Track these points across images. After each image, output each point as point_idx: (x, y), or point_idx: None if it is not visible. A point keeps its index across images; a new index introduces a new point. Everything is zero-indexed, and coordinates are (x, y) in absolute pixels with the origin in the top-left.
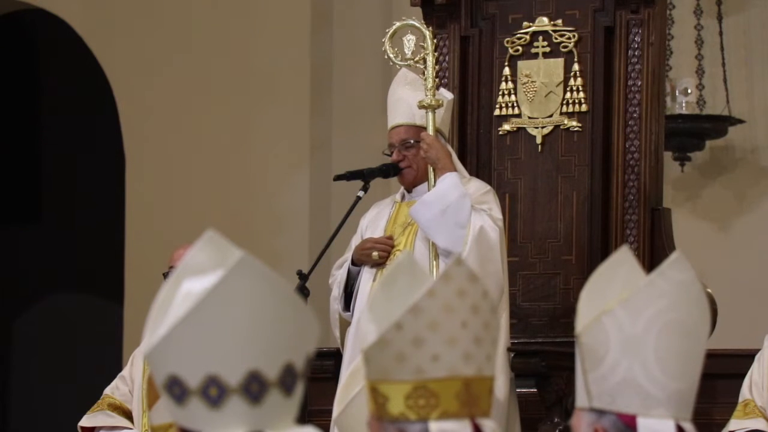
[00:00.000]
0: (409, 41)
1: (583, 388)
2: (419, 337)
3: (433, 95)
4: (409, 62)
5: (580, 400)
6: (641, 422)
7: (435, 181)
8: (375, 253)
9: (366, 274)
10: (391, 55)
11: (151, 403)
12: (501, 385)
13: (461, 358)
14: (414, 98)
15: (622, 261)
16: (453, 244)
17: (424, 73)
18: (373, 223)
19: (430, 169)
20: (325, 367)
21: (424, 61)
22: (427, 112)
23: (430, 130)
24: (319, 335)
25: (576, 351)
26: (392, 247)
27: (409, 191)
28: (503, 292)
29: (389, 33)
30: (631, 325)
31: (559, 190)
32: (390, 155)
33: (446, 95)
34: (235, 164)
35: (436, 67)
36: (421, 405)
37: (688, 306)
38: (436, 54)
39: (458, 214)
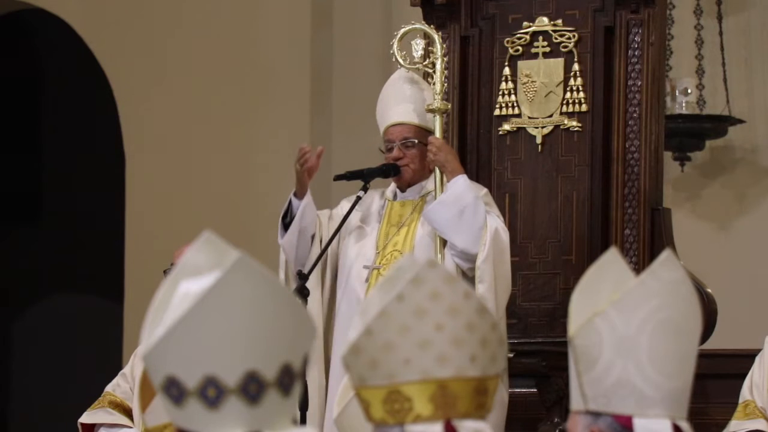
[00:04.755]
0: (418, 45)
1: (578, 390)
2: (389, 342)
3: (442, 99)
4: (417, 65)
5: (575, 402)
6: (637, 423)
7: (443, 183)
8: (297, 166)
9: (358, 275)
10: (399, 58)
11: (144, 405)
12: (501, 386)
13: (436, 360)
14: (415, 98)
15: (612, 262)
16: (471, 245)
17: (432, 77)
18: (362, 222)
19: (437, 171)
20: None
21: (433, 65)
22: (435, 116)
23: (438, 133)
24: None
25: (569, 354)
26: (308, 153)
27: (403, 190)
28: (509, 293)
29: (398, 36)
30: (624, 325)
31: (559, 190)
32: (384, 152)
33: None
34: (235, 164)
35: (445, 71)
36: (396, 409)
37: (679, 304)
38: (445, 58)
39: (475, 216)
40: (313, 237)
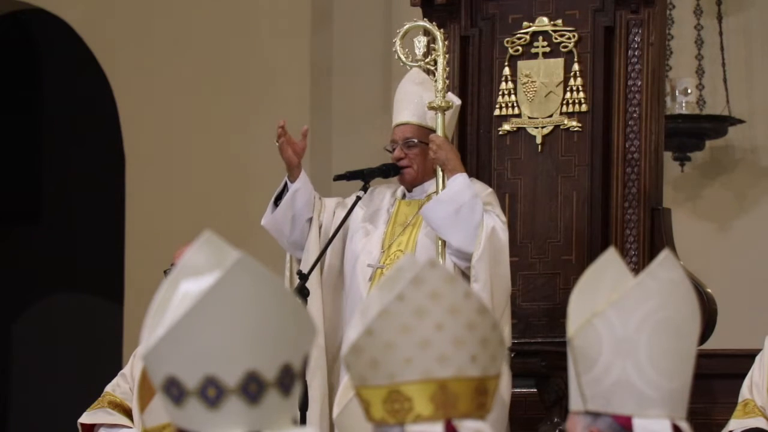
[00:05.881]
0: (420, 42)
1: (577, 391)
2: (390, 342)
3: (443, 96)
4: (419, 63)
5: (575, 403)
6: (637, 423)
7: (444, 182)
8: (276, 142)
9: (362, 273)
10: (402, 56)
11: (143, 405)
12: (504, 386)
13: (436, 360)
14: (423, 98)
15: (610, 262)
16: (467, 244)
17: (433, 74)
18: (370, 216)
19: (438, 170)
20: None
21: (435, 62)
22: (436, 114)
23: (439, 131)
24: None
25: (568, 354)
26: (280, 127)
27: (410, 190)
28: (509, 293)
29: (400, 33)
30: (623, 326)
31: (559, 190)
32: (391, 151)
33: (454, 100)
34: (236, 164)
35: (447, 68)
36: (396, 409)
37: (678, 304)
38: (447, 56)
39: (472, 214)
40: (311, 221)
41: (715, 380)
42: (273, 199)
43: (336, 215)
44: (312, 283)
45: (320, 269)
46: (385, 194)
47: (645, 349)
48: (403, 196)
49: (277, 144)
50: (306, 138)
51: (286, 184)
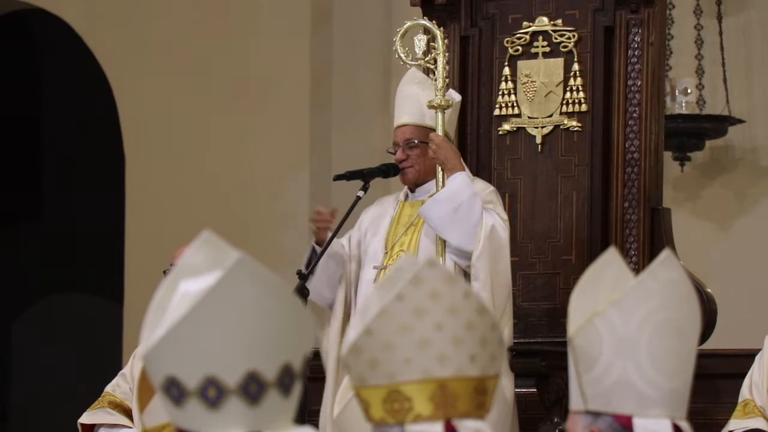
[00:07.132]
0: (420, 41)
1: (578, 390)
2: (389, 342)
3: (443, 95)
4: (419, 62)
5: (575, 403)
6: (637, 422)
7: (444, 181)
8: (312, 227)
9: (370, 275)
10: (402, 55)
11: (142, 405)
12: (507, 385)
13: (435, 359)
14: (421, 98)
15: (611, 262)
16: (465, 243)
17: (433, 73)
18: (375, 222)
19: (439, 169)
20: (323, 367)
21: (435, 61)
22: (436, 113)
23: (439, 130)
24: (317, 335)
25: (569, 354)
26: (323, 217)
27: (413, 191)
28: (510, 291)
29: (400, 32)
30: (624, 325)
31: (559, 190)
32: (394, 153)
33: (454, 96)
34: (235, 164)
35: (447, 67)
36: (396, 409)
37: (678, 304)
38: (447, 54)
39: (470, 213)
40: (341, 277)
41: (716, 380)
42: (304, 267)
43: (352, 254)
44: (335, 316)
45: (351, 300)
46: (389, 199)
47: (645, 349)
48: (406, 198)
49: (313, 228)
50: (334, 216)
51: (313, 248)
